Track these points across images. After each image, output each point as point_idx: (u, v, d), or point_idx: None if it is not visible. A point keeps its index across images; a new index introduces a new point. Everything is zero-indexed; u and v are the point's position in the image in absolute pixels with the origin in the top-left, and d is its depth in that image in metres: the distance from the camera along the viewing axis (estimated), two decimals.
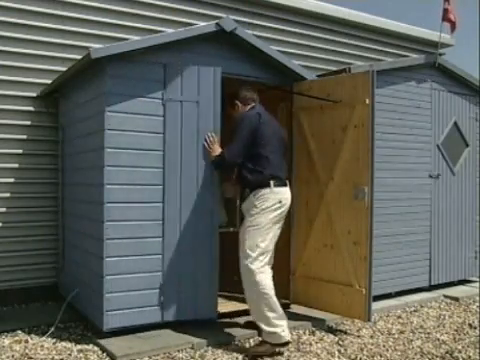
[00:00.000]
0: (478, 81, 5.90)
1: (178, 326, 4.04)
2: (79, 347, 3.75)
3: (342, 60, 6.68)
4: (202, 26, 4.15)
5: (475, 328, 4.44)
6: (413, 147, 5.40)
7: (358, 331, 4.26)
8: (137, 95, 3.85)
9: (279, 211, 3.81)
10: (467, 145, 5.93)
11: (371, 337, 4.14)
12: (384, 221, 5.07)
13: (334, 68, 5.90)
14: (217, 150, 4.01)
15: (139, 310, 3.87)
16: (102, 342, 3.74)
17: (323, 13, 6.52)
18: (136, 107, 3.85)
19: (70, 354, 3.63)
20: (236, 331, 4.04)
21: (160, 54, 3.94)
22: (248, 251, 3.72)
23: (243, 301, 4.51)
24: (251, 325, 4.12)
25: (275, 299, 3.71)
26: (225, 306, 4.49)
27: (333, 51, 6.70)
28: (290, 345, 3.83)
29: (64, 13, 4.99)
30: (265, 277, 3.71)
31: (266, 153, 3.79)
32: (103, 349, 3.68)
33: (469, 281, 6.05)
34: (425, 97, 5.52)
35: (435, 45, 6.28)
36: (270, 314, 3.66)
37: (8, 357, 3.59)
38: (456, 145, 5.82)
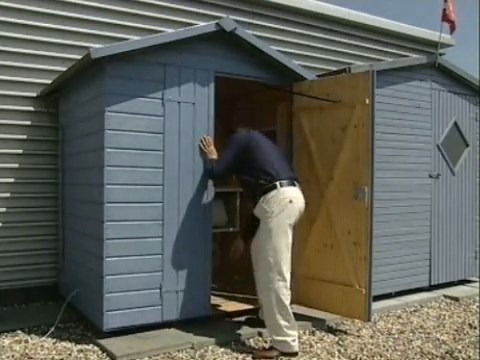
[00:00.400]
0: (478, 81, 5.90)
1: (178, 326, 4.04)
2: (79, 347, 3.75)
3: (342, 60, 6.68)
4: (202, 26, 4.15)
5: (475, 328, 4.44)
6: (413, 147, 5.40)
7: (358, 331, 4.26)
8: (137, 95, 3.85)
9: (291, 212, 3.74)
10: (467, 145, 5.93)
11: (371, 337, 4.14)
12: (384, 221, 5.07)
13: (334, 68, 5.90)
14: (212, 152, 4.06)
15: (139, 310, 3.87)
16: (102, 342, 3.74)
17: (323, 13, 6.52)
18: (136, 107, 3.85)
19: (70, 354, 3.63)
20: (236, 331, 4.03)
21: (160, 54, 3.94)
22: (265, 258, 3.69)
23: (243, 301, 4.53)
24: (252, 322, 4.13)
25: (289, 309, 3.68)
26: (225, 306, 4.49)
27: (333, 51, 6.70)
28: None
29: (64, 13, 4.99)
30: (283, 285, 3.66)
31: (267, 161, 3.82)
32: (103, 349, 3.68)
33: (469, 281, 6.05)
34: (425, 97, 5.52)
35: (435, 45, 6.28)
36: (283, 323, 3.64)
37: (8, 357, 3.59)
38: (456, 145, 5.82)
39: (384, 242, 5.10)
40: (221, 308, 4.45)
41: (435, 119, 5.61)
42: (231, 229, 4.73)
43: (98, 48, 3.78)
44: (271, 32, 6.20)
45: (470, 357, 3.76)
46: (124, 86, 3.80)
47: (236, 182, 4.43)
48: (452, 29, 5.67)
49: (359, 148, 4.13)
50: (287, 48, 6.20)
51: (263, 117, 5.28)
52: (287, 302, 3.67)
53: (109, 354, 3.60)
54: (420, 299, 5.27)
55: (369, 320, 4.16)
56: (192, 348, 3.74)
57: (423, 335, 4.23)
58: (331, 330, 4.25)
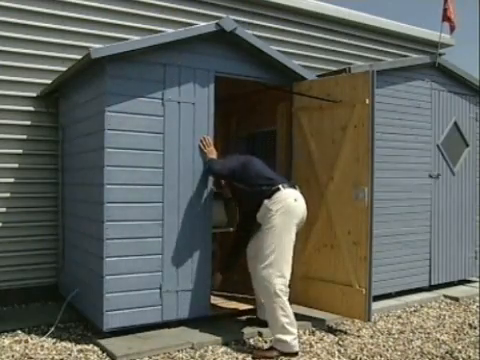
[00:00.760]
0: (478, 81, 5.90)
1: (178, 326, 4.04)
2: (79, 347, 3.75)
3: (342, 60, 6.68)
4: (202, 26, 4.15)
5: (475, 328, 4.44)
6: (413, 147, 5.40)
7: (358, 331, 4.26)
8: (137, 95, 3.85)
9: (296, 210, 3.78)
10: (467, 145, 5.93)
11: (371, 337, 4.14)
12: (384, 221, 5.07)
13: (334, 68, 5.90)
14: (212, 152, 4.08)
15: (139, 310, 3.87)
16: (102, 342, 3.74)
17: (323, 13, 6.52)
18: (136, 107, 3.85)
19: (70, 354, 3.63)
20: (236, 331, 4.04)
21: (160, 54, 3.94)
22: (263, 256, 3.70)
23: (243, 301, 4.53)
24: (252, 322, 4.13)
25: (288, 304, 3.69)
26: (225, 306, 4.49)
27: (333, 51, 6.70)
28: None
29: (64, 13, 4.99)
30: (281, 282, 3.66)
31: (266, 171, 3.96)
32: (103, 349, 3.68)
33: (469, 281, 6.05)
34: (425, 97, 5.52)
35: (435, 45, 6.28)
36: (284, 319, 3.64)
37: (8, 357, 3.59)
38: (456, 145, 5.82)
39: (384, 242, 5.10)
40: (221, 308, 4.45)
41: (435, 119, 5.61)
42: (231, 229, 4.73)
43: (98, 48, 3.78)
44: (271, 32, 6.20)
45: (470, 357, 3.76)
46: (124, 86, 3.80)
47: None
48: (452, 29, 5.67)
49: (359, 148, 4.13)
50: (287, 48, 6.20)
51: (263, 117, 5.28)
52: (286, 298, 3.67)
53: (109, 354, 3.60)
54: (420, 299, 5.27)
55: (369, 320, 4.16)
56: (192, 348, 3.74)
57: (423, 335, 4.23)
58: (331, 330, 4.25)
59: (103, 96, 3.78)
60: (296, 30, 6.40)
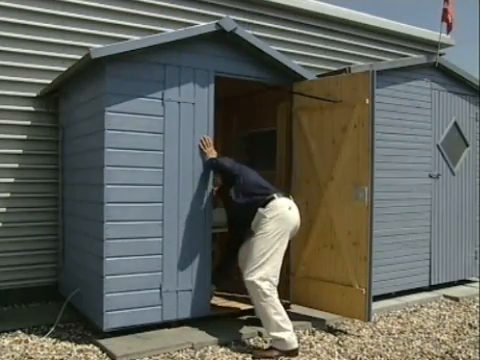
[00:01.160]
0: (478, 81, 5.90)
1: (178, 326, 4.04)
2: (79, 347, 3.75)
3: (342, 60, 6.68)
4: (202, 26, 4.15)
5: (475, 328, 4.44)
6: (413, 147, 5.40)
7: (358, 331, 4.26)
8: (137, 95, 3.85)
9: (289, 218, 3.83)
10: (467, 145, 5.93)
11: (371, 337, 4.14)
12: (384, 221, 5.07)
13: (334, 68, 5.90)
14: (212, 152, 4.10)
15: (139, 310, 3.87)
16: (102, 342, 3.74)
17: (323, 13, 6.52)
18: (136, 107, 3.85)
19: (70, 354, 3.63)
20: (236, 331, 4.04)
21: (160, 54, 3.94)
22: (252, 259, 3.73)
23: (243, 301, 4.53)
24: (252, 322, 4.13)
25: (278, 302, 3.71)
26: (225, 306, 4.49)
27: (333, 51, 6.70)
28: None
29: (64, 13, 4.99)
30: (265, 284, 3.68)
31: (259, 181, 4.03)
32: (103, 349, 3.68)
33: (469, 281, 6.05)
34: (425, 97, 5.52)
35: (435, 45, 6.28)
36: (276, 317, 3.66)
37: (8, 357, 3.59)
38: (456, 145, 5.82)
39: (384, 242, 5.10)
40: (221, 308, 4.44)
41: (435, 119, 5.61)
42: None
43: (98, 48, 3.78)
44: (271, 32, 6.19)
45: (470, 357, 3.76)
46: (124, 86, 3.80)
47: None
48: (449, 29, 5.67)
49: (359, 148, 4.12)
50: (287, 48, 6.19)
51: (263, 117, 5.29)
52: (275, 297, 3.70)
53: (109, 354, 3.60)
54: (420, 299, 5.27)
55: (369, 320, 4.16)
56: (192, 348, 3.74)
57: (423, 335, 4.23)
58: (331, 330, 4.25)
59: (103, 96, 3.78)
60: (296, 30, 6.39)
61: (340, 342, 3.98)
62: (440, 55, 5.74)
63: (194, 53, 4.10)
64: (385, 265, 5.13)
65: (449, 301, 5.35)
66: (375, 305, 4.59)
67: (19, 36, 4.81)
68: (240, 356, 3.63)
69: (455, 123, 5.79)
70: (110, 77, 3.76)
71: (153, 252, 3.93)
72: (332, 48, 6.69)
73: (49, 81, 4.79)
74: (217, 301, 4.54)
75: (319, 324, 4.31)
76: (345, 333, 4.19)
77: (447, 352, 3.84)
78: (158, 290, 3.95)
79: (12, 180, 4.83)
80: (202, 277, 4.13)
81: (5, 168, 4.79)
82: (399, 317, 4.74)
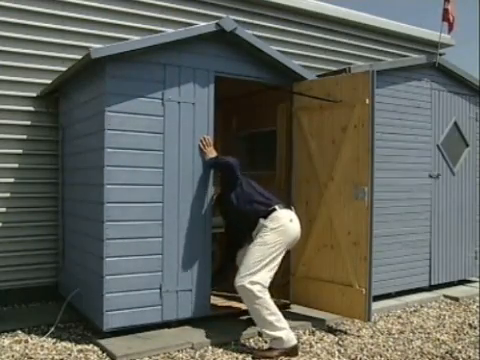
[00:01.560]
0: (478, 81, 5.90)
1: (178, 326, 4.04)
2: (79, 347, 3.75)
3: (342, 60, 6.68)
4: (202, 26, 4.15)
5: (475, 328, 4.44)
6: (413, 147, 5.40)
7: (358, 331, 4.26)
8: (137, 95, 3.85)
9: (290, 230, 3.84)
10: (467, 145, 5.93)
11: (371, 337, 4.14)
12: (384, 221, 5.07)
13: (334, 68, 5.90)
14: (212, 152, 4.09)
15: (139, 310, 3.87)
16: (102, 342, 3.74)
17: (323, 13, 6.52)
18: (136, 107, 3.85)
19: (70, 354, 3.63)
20: (236, 331, 4.04)
21: (160, 54, 3.94)
22: (246, 265, 3.74)
23: (243, 301, 4.52)
24: (252, 322, 4.13)
25: (271, 302, 3.71)
26: (225, 306, 4.49)
27: (333, 51, 6.70)
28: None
29: (64, 13, 4.99)
30: (255, 286, 3.67)
31: (262, 192, 4.01)
32: (103, 349, 3.68)
33: (469, 281, 6.05)
34: (425, 97, 5.52)
35: (435, 45, 6.28)
36: (271, 317, 3.67)
37: (8, 357, 3.59)
38: (456, 145, 5.82)
39: (384, 242, 5.10)
40: (221, 308, 4.45)
41: (435, 119, 5.61)
42: None
43: (98, 48, 3.78)
44: (271, 32, 6.19)
45: (470, 357, 3.77)
46: (124, 86, 3.80)
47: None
48: (450, 29, 5.67)
49: (359, 148, 4.13)
50: (287, 48, 6.19)
51: (263, 117, 5.29)
52: (267, 297, 3.69)
53: (109, 354, 3.60)
54: (420, 299, 5.27)
55: (369, 320, 4.16)
56: (192, 348, 3.74)
57: (423, 335, 4.23)
58: (331, 330, 4.25)
59: (103, 96, 3.78)
60: (296, 30, 6.39)
61: (340, 342, 3.98)
62: (440, 55, 5.74)
63: (194, 53, 4.10)
64: (385, 265, 5.13)
65: (449, 301, 5.35)
66: (375, 305, 4.59)
67: (19, 36, 4.81)
68: (240, 356, 3.63)
69: (455, 123, 5.79)
70: (110, 77, 3.76)
71: (153, 252, 3.93)
72: (332, 48, 6.69)
73: (49, 81, 4.79)
74: (217, 301, 4.55)
75: (319, 324, 4.31)
76: (345, 333, 4.19)
77: (447, 352, 3.84)
78: (158, 290, 3.95)
79: (12, 180, 4.83)
80: (202, 277, 4.13)
81: (5, 168, 4.79)
82: (399, 317, 4.74)
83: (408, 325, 4.50)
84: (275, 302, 3.78)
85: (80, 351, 3.68)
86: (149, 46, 3.84)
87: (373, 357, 3.71)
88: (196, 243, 4.10)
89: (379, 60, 6.81)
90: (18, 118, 4.86)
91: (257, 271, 3.70)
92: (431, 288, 5.62)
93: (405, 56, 6.94)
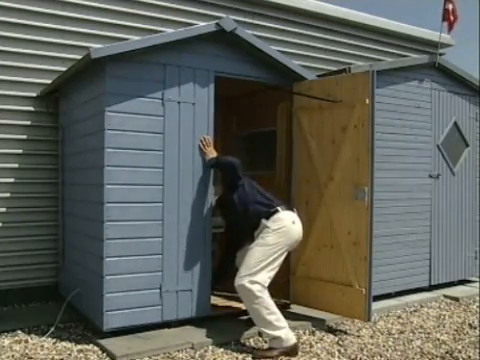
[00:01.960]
0: (478, 81, 5.90)
1: (178, 326, 4.04)
2: (79, 347, 3.75)
3: (342, 60, 6.68)
4: (202, 26, 4.15)
5: (475, 328, 4.44)
6: (413, 147, 5.40)
7: (358, 331, 4.26)
8: (137, 95, 3.85)
9: (292, 232, 3.84)
10: (467, 145, 5.93)
11: (371, 337, 4.14)
12: (384, 221, 5.07)
13: (334, 68, 5.90)
14: (212, 152, 4.09)
15: (139, 310, 3.87)
16: (102, 342, 3.74)
17: (323, 13, 6.52)
18: (136, 107, 3.85)
19: (70, 354, 3.63)
20: (236, 331, 4.04)
21: (160, 54, 3.94)
22: (247, 265, 3.74)
23: (242, 301, 4.52)
24: (252, 322, 4.13)
25: (270, 301, 3.71)
26: (225, 306, 4.49)
27: (333, 51, 6.70)
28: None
29: (64, 13, 4.99)
30: (254, 286, 3.68)
31: (264, 194, 4.00)
32: (103, 349, 3.68)
33: (469, 281, 6.05)
34: (425, 97, 5.52)
35: (435, 45, 6.28)
36: (270, 317, 3.67)
37: (8, 357, 3.58)
38: (456, 145, 5.82)
39: (384, 242, 5.10)
40: (221, 308, 4.44)
41: (435, 119, 5.61)
42: None
43: (98, 48, 3.78)
44: (271, 32, 6.19)
45: (470, 357, 3.77)
46: (124, 86, 3.80)
47: None
48: (449, 29, 5.67)
49: (359, 148, 4.13)
50: (287, 48, 6.19)
51: (263, 117, 5.29)
52: (266, 296, 3.69)
53: (109, 354, 3.60)
54: (420, 299, 5.27)
55: (369, 320, 4.16)
56: (192, 348, 3.74)
57: (423, 335, 4.23)
58: (331, 330, 4.25)
59: (103, 96, 3.78)
60: (296, 30, 6.39)
61: (340, 342, 3.98)
62: (440, 55, 5.74)
63: (194, 53, 4.10)
64: (385, 265, 5.13)
65: (449, 301, 5.35)
66: (375, 305, 4.59)
67: (19, 36, 4.81)
68: (240, 356, 3.63)
69: (455, 123, 5.79)
70: (110, 77, 3.76)
71: (153, 252, 3.93)
72: (332, 48, 6.69)
73: (49, 81, 4.79)
74: (217, 301, 4.55)
75: (319, 324, 4.31)
76: (345, 333, 4.19)
77: (447, 352, 3.84)
78: (158, 290, 3.95)
79: (12, 180, 4.83)
80: (202, 277, 4.13)
81: (5, 168, 4.79)
82: (399, 317, 4.74)
83: (408, 325, 4.50)
84: (275, 302, 3.79)
85: (80, 351, 3.68)
86: (149, 46, 3.84)
87: (373, 357, 3.71)
88: (196, 243, 4.10)
89: (379, 60, 6.82)
90: (18, 118, 4.86)
91: (257, 271, 3.71)
92: (431, 288, 5.62)
93: (405, 56, 6.94)
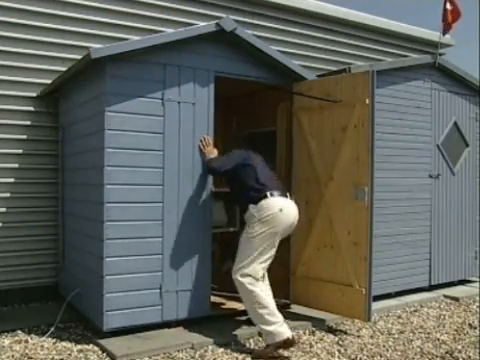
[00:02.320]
0: (478, 81, 5.90)
1: (178, 326, 4.04)
2: (79, 347, 3.75)
3: (342, 60, 6.68)
4: (202, 26, 4.15)
5: (475, 328, 4.44)
6: (413, 147, 5.40)
7: (358, 331, 4.26)
8: (137, 95, 3.85)
9: (279, 220, 3.77)
10: (467, 145, 5.93)
11: (371, 337, 4.14)
12: (384, 221, 5.07)
13: (334, 68, 5.90)
14: (211, 152, 4.09)
15: (139, 310, 3.87)
16: (102, 342, 3.74)
17: (323, 13, 6.52)
18: (136, 107, 3.85)
19: (70, 354, 3.63)
20: (236, 331, 4.04)
21: (160, 54, 3.94)
22: (238, 259, 3.77)
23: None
24: (252, 322, 4.14)
25: (263, 295, 3.70)
26: (225, 306, 4.49)
27: (333, 51, 6.70)
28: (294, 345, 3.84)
29: (64, 13, 4.99)
30: (247, 279, 3.70)
31: (259, 177, 3.89)
32: (103, 349, 3.68)
33: (469, 281, 6.05)
34: (425, 97, 5.52)
35: (435, 45, 6.28)
36: (262, 310, 3.67)
37: (8, 357, 3.59)
38: (456, 145, 5.82)
39: (384, 242, 5.10)
40: (221, 308, 4.45)
41: (435, 119, 5.61)
42: (231, 229, 4.73)
43: (98, 48, 3.78)
44: (271, 32, 6.20)
45: (470, 357, 3.76)
46: (124, 86, 3.80)
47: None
48: (446, 30, 5.67)
49: (359, 148, 4.12)
50: (287, 48, 6.20)
51: (263, 117, 5.28)
52: (258, 290, 3.68)
53: (109, 354, 3.60)
54: (420, 299, 5.27)
55: (369, 320, 4.16)
56: (192, 348, 3.74)
57: (423, 335, 4.23)
58: (331, 330, 4.25)
59: (103, 96, 3.78)
60: (296, 30, 6.40)
61: (340, 342, 3.98)
62: (440, 55, 5.74)
63: (194, 53, 4.10)
64: (385, 265, 5.13)
65: (449, 301, 5.35)
66: (375, 305, 4.59)
67: (19, 36, 4.81)
68: (240, 356, 3.63)
69: (455, 123, 5.79)
70: (110, 77, 3.76)
71: (153, 252, 3.93)
72: (332, 48, 6.69)
73: (49, 81, 4.79)
74: (217, 301, 4.54)
75: (319, 324, 4.31)
76: (345, 333, 4.19)
77: (447, 352, 3.84)
78: (158, 290, 3.95)
79: (12, 180, 4.83)
80: (202, 277, 4.13)
81: (5, 168, 4.79)
82: (399, 317, 4.74)
83: (408, 325, 4.50)
84: (276, 302, 3.79)
85: (80, 351, 3.68)
86: (149, 46, 3.84)
87: (373, 357, 3.71)
88: (196, 243, 4.10)
89: (379, 60, 6.81)
90: (18, 118, 4.86)
91: (247, 264, 3.72)
92: (431, 288, 5.62)
93: (405, 56, 6.95)
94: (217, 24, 4.08)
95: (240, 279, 3.72)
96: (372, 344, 3.96)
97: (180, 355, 3.63)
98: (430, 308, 5.07)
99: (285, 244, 4.57)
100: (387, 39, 7.14)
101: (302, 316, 4.42)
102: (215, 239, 4.75)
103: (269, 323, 3.65)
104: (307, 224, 4.49)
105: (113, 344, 3.71)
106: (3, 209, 4.80)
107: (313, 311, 4.46)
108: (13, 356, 3.60)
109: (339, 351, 3.79)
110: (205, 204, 4.14)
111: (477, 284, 5.92)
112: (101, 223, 3.77)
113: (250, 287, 3.69)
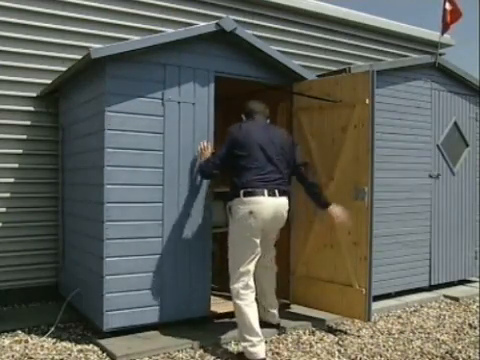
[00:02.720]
0: (478, 81, 5.90)
1: (178, 326, 4.04)
2: (79, 347, 3.75)
3: (342, 60, 6.68)
4: (202, 26, 4.15)
5: (475, 328, 4.44)
6: (413, 147, 5.40)
7: (358, 331, 4.26)
8: (137, 95, 3.85)
9: (248, 224, 3.60)
10: (467, 145, 5.93)
11: (371, 337, 4.14)
12: (384, 221, 5.07)
13: (334, 68, 5.90)
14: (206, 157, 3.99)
15: (139, 310, 3.87)
16: (102, 342, 3.75)
17: (323, 13, 6.52)
18: (136, 107, 3.85)
19: (70, 354, 3.63)
20: (235, 332, 4.02)
21: (160, 54, 3.94)
22: (229, 266, 3.72)
23: None
24: None
25: (246, 310, 3.55)
26: (225, 306, 4.49)
27: (333, 51, 6.70)
28: (290, 345, 3.84)
29: (64, 13, 4.99)
30: (238, 288, 3.61)
31: (244, 163, 3.66)
32: (103, 349, 3.68)
33: (469, 281, 6.05)
34: (425, 97, 5.52)
35: (435, 45, 6.28)
36: (240, 324, 3.59)
37: (8, 357, 3.59)
38: (456, 145, 5.82)
39: (384, 242, 5.10)
40: (221, 308, 4.44)
41: (435, 119, 5.61)
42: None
43: (98, 48, 3.78)
44: (271, 32, 6.20)
45: (470, 357, 3.77)
46: (124, 86, 3.80)
47: None
48: (445, 29, 5.67)
49: (359, 148, 4.13)
50: (287, 48, 6.20)
51: None
52: (243, 304, 3.57)
53: (109, 354, 3.60)
54: (420, 299, 5.27)
55: (369, 320, 4.16)
56: (192, 348, 3.74)
57: (423, 335, 4.23)
58: (331, 330, 4.25)
59: (103, 96, 3.78)
60: (296, 30, 6.40)
61: (340, 342, 3.98)
62: (440, 55, 5.74)
63: (194, 53, 4.10)
64: (385, 265, 5.13)
65: (449, 301, 5.35)
66: (375, 305, 4.59)
67: (19, 36, 4.81)
68: None
69: (455, 123, 5.79)
70: (110, 77, 3.76)
71: (153, 252, 3.93)
72: (332, 48, 6.69)
73: (49, 81, 4.80)
74: (217, 301, 4.54)
75: (319, 324, 4.31)
76: (345, 333, 4.19)
77: (447, 352, 3.84)
78: (158, 290, 3.94)
79: (12, 180, 4.83)
80: (202, 277, 4.13)
81: (5, 168, 4.80)
82: (399, 317, 4.74)
83: (408, 325, 4.50)
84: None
85: (80, 351, 3.68)
86: (149, 46, 3.84)
87: (373, 357, 3.71)
88: (196, 243, 4.10)
89: (379, 60, 6.82)
90: (18, 118, 4.86)
91: (233, 273, 3.66)
92: (431, 288, 5.62)
93: (405, 56, 6.95)
94: (217, 24, 4.08)
95: (231, 288, 3.65)
96: (372, 344, 3.97)
97: (180, 355, 3.63)
98: (430, 308, 5.07)
99: (285, 244, 4.57)
100: (387, 39, 7.14)
101: (302, 316, 4.42)
102: (215, 239, 4.76)
103: (243, 340, 3.55)
104: (307, 224, 4.49)
105: (113, 344, 3.71)
106: (3, 209, 4.80)
107: (313, 311, 4.46)
108: (13, 356, 3.60)
109: (339, 351, 3.79)
110: (205, 204, 4.14)
111: (477, 284, 5.92)
112: (101, 223, 3.77)
113: (235, 300, 3.61)
